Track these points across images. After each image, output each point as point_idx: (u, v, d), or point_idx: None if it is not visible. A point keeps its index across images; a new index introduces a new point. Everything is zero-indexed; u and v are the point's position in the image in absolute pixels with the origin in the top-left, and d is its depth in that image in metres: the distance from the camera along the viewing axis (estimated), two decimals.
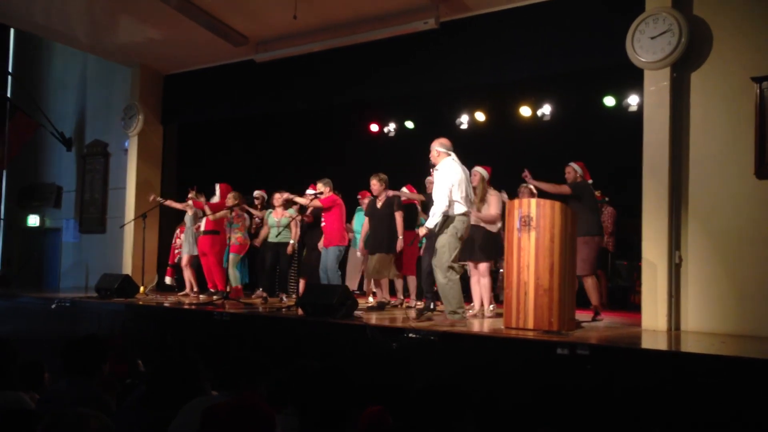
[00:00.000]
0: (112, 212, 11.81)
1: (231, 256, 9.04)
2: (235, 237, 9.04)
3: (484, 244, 7.21)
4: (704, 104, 6.53)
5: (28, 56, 13.75)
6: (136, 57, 11.02)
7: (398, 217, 7.94)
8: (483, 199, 7.25)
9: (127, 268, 10.75)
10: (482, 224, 7.21)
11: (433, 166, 6.49)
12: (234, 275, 9.15)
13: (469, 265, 7.49)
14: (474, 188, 6.97)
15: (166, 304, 8.46)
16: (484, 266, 7.26)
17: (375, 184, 8.03)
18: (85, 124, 12.57)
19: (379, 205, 8.08)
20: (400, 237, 7.88)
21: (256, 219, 9.70)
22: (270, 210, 9.15)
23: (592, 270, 6.84)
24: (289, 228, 8.83)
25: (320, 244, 8.47)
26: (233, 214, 9.02)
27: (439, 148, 6.38)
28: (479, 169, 7.32)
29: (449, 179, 6.17)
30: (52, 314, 8.69)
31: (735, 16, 6.43)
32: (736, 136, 6.31)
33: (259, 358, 3.35)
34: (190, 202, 9.81)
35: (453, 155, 6.38)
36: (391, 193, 8.04)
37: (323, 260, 8.29)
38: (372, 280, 8.55)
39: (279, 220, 8.91)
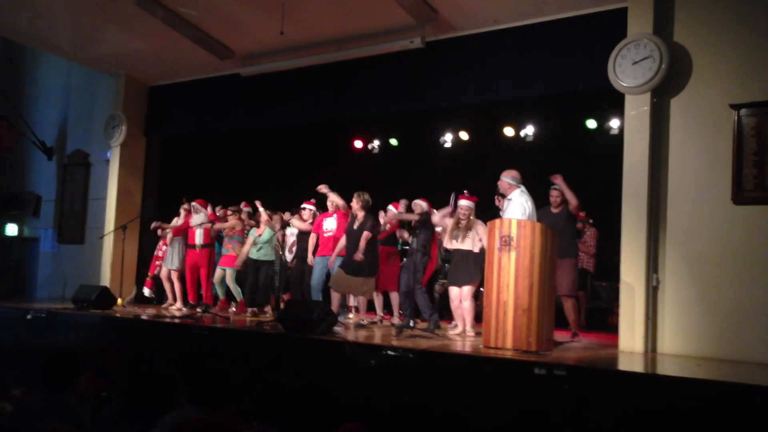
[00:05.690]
0: (91, 223, 11.69)
1: (229, 270, 9.05)
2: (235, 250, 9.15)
3: (468, 267, 7.21)
4: (683, 130, 6.63)
5: (11, 64, 13.64)
6: (120, 67, 10.99)
7: (364, 234, 7.71)
8: (468, 228, 7.26)
9: (106, 280, 10.65)
10: (465, 248, 7.23)
11: (503, 195, 6.73)
12: (236, 290, 9.18)
13: (451, 287, 7.46)
14: (461, 221, 7.22)
15: (144, 317, 8.38)
16: (467, 289, 7.24)
17: (354, 204, 7.95)
18: (67, 133, 12.46)
19: (355, 225, 7.92)
20: (360, 251, 7.64)
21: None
22: (254, 227, 9.17)
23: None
24: (270, 244, 8.85)
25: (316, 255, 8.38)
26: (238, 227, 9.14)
27: (510, 180, 6.57)
28: (470, 204, 7.34)
29: (526, 210, 6.38)
30: (28, 324, 8.57)
31: (715, 44, 6.55)
32: (714, 162, 6.41)
33: (233, 372, 3.33)
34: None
35: (522, 187, 6.57)
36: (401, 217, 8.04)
37: (322, 272, 8.24)
38: (359, 298, 8.47)
39: (257, 237, 8.97)
